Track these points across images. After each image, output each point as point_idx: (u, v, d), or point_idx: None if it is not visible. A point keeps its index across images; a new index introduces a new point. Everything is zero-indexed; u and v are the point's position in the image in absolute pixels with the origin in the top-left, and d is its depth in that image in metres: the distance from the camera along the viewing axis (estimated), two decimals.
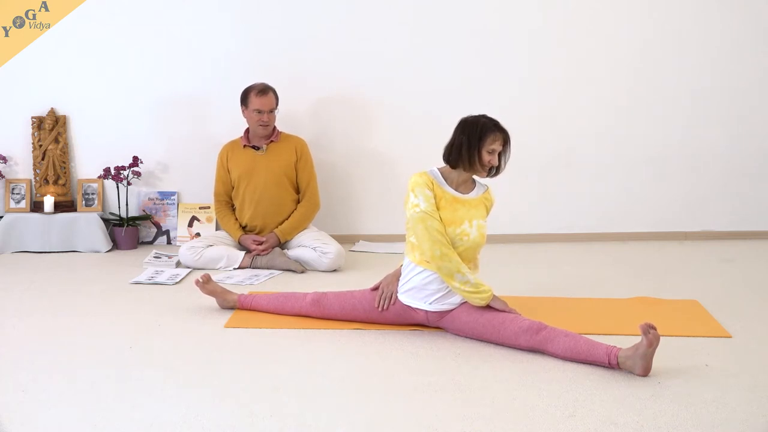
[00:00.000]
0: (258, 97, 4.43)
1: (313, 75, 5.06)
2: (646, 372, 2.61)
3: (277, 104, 4.51)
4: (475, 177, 3.16)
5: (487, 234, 3.13)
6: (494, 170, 3.09)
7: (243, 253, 4.39)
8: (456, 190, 3.10)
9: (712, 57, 5.11)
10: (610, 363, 2.66)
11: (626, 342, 2.73)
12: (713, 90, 5.13)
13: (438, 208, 3.02)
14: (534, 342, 2.83)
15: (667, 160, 5.18)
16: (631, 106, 5.14)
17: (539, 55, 5.08)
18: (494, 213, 3.26)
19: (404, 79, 5.08)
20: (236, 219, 4.57)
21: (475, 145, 3.02)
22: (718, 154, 5.18)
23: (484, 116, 3.08)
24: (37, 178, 5.02)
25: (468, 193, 3.12)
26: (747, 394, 2.48)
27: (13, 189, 5.02)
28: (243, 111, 4.52)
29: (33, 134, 5.02)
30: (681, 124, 5.16)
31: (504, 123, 3.10)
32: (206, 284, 3.46)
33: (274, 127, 4.57)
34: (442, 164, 3.13)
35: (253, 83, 4.50)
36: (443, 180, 3.09)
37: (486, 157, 3.03)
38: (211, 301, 3.52)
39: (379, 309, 3.16)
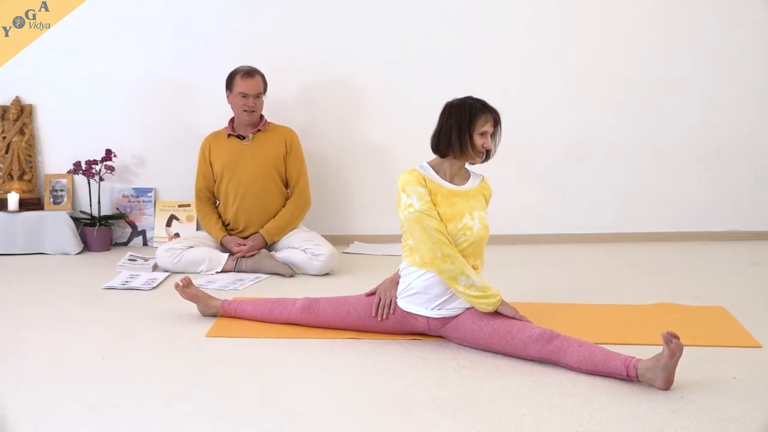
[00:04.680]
0: (243, 80, 4.43)
1: (303, 59, 5.06)
2: (667, 385, 2.60)
3: (265, 89, 4.52)
4: (468, 167, 3.16)
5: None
6: (487, 154, 3.10)
7: (226, 255, 4.39)
8: (450, 182, 3.09)
9: (740, 47, 5.09)
10: (629, 375, 2.66)
11: (646, 352, 2.73)
12: (743, 82, 5.12)
13: (434, 205, 3.01)
14: (545, 352, 2.83)
15: (690, 153, 5.18)
16: (651, 95, 5.15)
17: (550, 40, 5.09)
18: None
19: (404, 65, 5.08)
20: (219, 218, 4.56)
21: (465, 129, 3.02)
22: (747, 148, 5.19)
23: (470, 97, 3.09)
24: (0, 173, 5.01)
25: (464, 184, 3.12)
26: None
27: None
28: (228, 96, 4.52)
29: None
30: (707, 116, 5.16)
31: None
32: (187, 288, 3.45)
33: (262, 116, 4.57)
34: (432, 158, 3.13)
35: (239, 66, 4.49)
36: (435, 174, 3.08)
37: (479, 140, 3.03)
38: (192, 307, 3.52)
39: (378, 318, 3.16)
